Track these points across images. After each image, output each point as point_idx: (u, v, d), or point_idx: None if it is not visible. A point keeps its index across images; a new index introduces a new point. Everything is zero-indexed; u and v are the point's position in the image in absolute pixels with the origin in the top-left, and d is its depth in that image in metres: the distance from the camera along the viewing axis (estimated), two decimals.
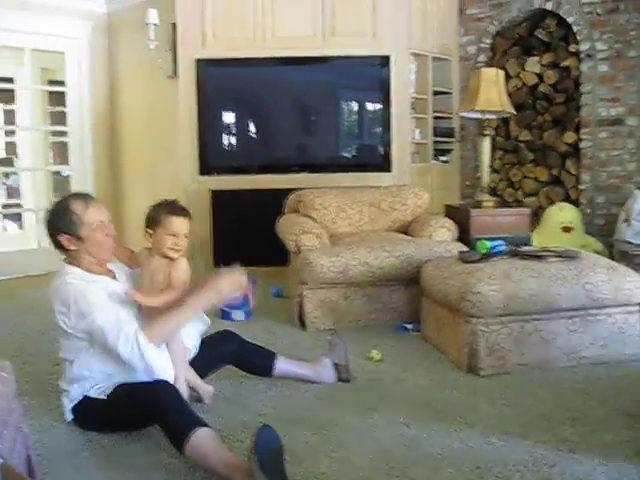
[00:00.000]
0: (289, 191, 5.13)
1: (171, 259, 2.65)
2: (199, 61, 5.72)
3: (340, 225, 4.78)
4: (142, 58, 6.23)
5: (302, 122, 6.24)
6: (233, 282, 2.60)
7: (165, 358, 2.55)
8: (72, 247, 2.56)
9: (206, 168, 5.84)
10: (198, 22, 5.70)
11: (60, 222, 2.54)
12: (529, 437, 2.48)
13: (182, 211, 2.68)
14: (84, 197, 2.61)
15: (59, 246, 2.58)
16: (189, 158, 5.82)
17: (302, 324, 4.12)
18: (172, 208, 2.67)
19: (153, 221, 2.65)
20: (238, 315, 4.31)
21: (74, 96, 6.52)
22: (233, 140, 6.22)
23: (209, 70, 5.75)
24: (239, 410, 2.81)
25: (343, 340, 3.16)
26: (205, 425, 2.26)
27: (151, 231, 2.65)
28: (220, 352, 2.96)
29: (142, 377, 2.53)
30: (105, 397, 2.52)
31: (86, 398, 2.56)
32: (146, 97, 6.50)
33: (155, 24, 5.74)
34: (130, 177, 6.76)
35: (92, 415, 2.57)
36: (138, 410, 2.41)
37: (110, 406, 2.51)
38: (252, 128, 6.24)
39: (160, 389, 2.41)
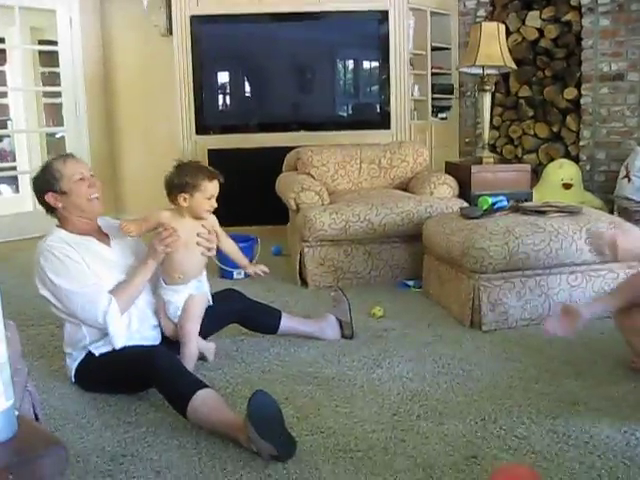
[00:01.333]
0: (287, 150, 5.09)
1: (203, 219, 2.71)
2: (194, 18, 5.62)
3: (339, 182, 4.75)
4: (135, 16, 6.13)
5: (299, 79, 6.17)
6: (160, 237, 2.59)
7: (123, 327, 2.56)
8: (59, 204, 2.59)
9: (203, 127, 5.78)
10: None
11: (43, 181, 2.60)
12: (532, 390, 2.50)
13: (215, 174, 2.69)
14: (63, 155, 2.67)
15: (49, 208, 2.62)
16: (185, 117, 5.76)
17: (303, 282, 4.12)
18: (209, 172, 2.67)
19: (190, 186, 2.61)
20: (238, 273, 4.30)
21: (66, 56, 6.40)
22: (229, 98, 6.17)
23: (204, 27, 5.66)
24: (243, 367, 2.81)
25: (346, 297, 3.16)
26: (205, 386, 2.26)
27: (187, 195, 2.62)
28: (225, 311, 2.95)
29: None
30: (105, 352, 2.53)
31: (88, 355, 2.56)
32: (140, 56, 6.40)
33: None
34: (126, 137, 6.69)
35: (94, 377, 2.58)
36: (136, 375, 2.42)
37: (110, 369, 2.51)
38: (248, 86, 6.18)
39: (157, 354, 2.42)
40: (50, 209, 2.62)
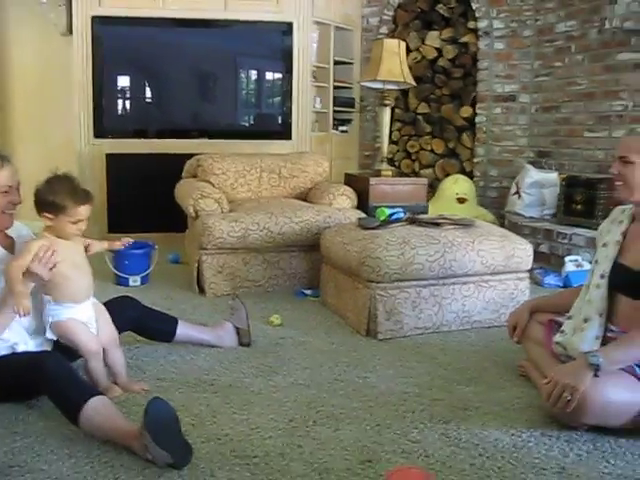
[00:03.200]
0: (187, 156, 5.05)
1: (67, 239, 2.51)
2: (95, 18, 5.51)
3: (239, 191, 4.74)
4: (33, 12, 5.95)
5: (202, 87, 6.14)
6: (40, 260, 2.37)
7: None
8: None
9: (101, 131, 5.67)
10: None
11: None
12: (426, 396, 2.56)
13: (87, 197, 2.49)
14: (1, 157, 2.48)
15: None
16: (83, 120, 5.64)
17: (201, 290, 4.09)
18: (77, 196, 2.44)
19: (54, 207, 2.40)
20: (134, 280, 4.22)
21: None
22: (130, 103, 6.05)
23: (106, 28, 5.56)
24: (138, 375, 2.75)
25: (244, 304, 3.15)
26: (98, 393, 2.20)
27: (51, 215, 2.42)
28: (120, 319, 2.82)
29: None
30: None
31: None
32: (38, 54, 6.20)
33: None
34: (20, 139, 6.45)
35: None
36: (25, 382, 2.31)
37: None
38: (150, 91, 6.08)
39: (46, 360, 2.30)
40: None
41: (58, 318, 2.49)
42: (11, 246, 2.56)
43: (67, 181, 2.48)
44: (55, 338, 2.53)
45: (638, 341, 2.22)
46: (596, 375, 2.16)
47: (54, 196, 2.40)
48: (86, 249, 2.63)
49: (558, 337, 2.51)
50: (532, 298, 3.25)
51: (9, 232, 2.58)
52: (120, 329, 2.88)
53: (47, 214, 2.42)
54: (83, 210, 2.45)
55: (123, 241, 2.82)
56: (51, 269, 2.38)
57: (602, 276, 2.45)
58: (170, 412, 2.05)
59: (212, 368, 2.83)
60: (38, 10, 5.71)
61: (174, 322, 3.00)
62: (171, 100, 6.00)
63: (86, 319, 2.55)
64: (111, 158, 5.63)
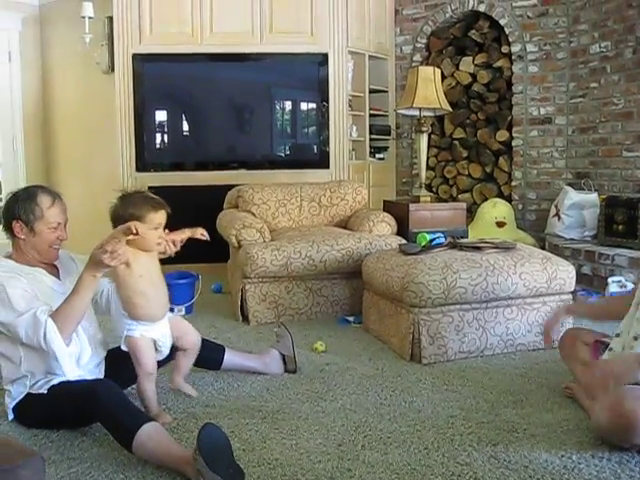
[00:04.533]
0: (226, 188, 5.15)
1: (151, 251, 2.57)
2: (136, 56, 5.67)
3: (280, 220, 4.81)
4: (77, 52, 6.13)
5: (240, 119, 6.24)
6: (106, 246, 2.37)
7: (72, 352, 2.49)
8: (21, 236, 2.55)
9: (143, 165, 5.79)
10: (135, 16, 5.64)
11: (20, 208, 2.53)
12: (473, 419, 2.57)
13: (162, 203, 2.56)
14: (52, 194, 2.61)
15: (9, 230, 2.56)
16: (126, 154, 5.76)
17: (244, 318, 4.14)
18: (154, 203, 2.54)
19: (134, 218, 2.43)
20: (179, 310, 4.29)
21: (4, 90, 6.36)
22: (170, 137, 6.17)
23: (146, 65, 5.70)
24: (187, 402, 2.80)
25: (289, 332, 3.19)
26: (150, 420, 2.25)
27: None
28: None
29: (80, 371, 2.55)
30: (45, 391, 2.48)
31: (28, 395, 2.51)
32: (81, 92, 6.39)
33: (90, 17, 5.67)
34: (64, 174, 6.63)
35: (35, 413, 2.51)
36: (79, 410, 2.37)
37: (51, 405, 2.46)
38: (189, 124, 6.20)
39: (99, 388, 2.36)
40: (9, 230, 2.56)
41: (131, 334, 2.55)
42: (57, 274, 2.67)
43: (138, 193, 2.61)
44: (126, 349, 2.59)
45: None
46: None
47: (132, 208, 2.48)
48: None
49: (606, 355, 2.51)
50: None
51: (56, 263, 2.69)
52: (168, 357, 2.95)
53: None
54: (160, 216, 2.54)
55: (201, 231, 2.84)
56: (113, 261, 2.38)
57: None
58: (222, 437, 2.09)
59: (259, 395, 2.87)
60: (81, 49, 5.88)
61: (221, 350, 3.06)
62: (209, 133, 6.11)
63: (159, 336, 2.63)
64: (153, 191, 5.70)
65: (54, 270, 2.67)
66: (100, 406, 2.29)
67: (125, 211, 2.49)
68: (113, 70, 5.80)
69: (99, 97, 6.13)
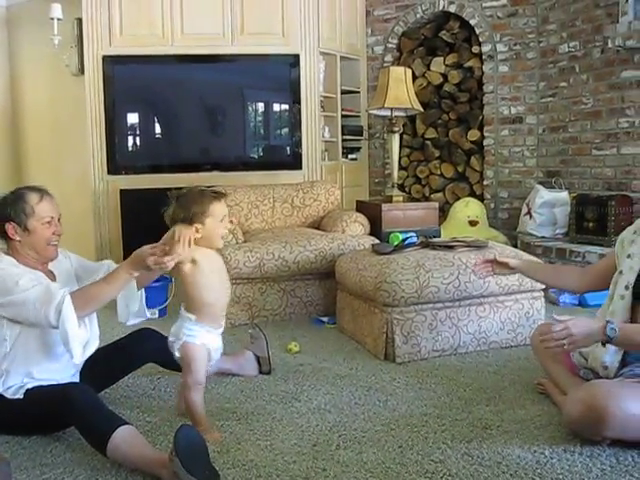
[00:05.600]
0: None
1: (218, 247, 2.52)
2: (106, 58, 5.61)
3: (253, 221, 4.81)
4: (46, 54, 6.07)
5: (212, 121, 6.21)
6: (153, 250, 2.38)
7: (81, 336, 2.38)
8: (17, 237, 2.50)
9: (114, 167, 5.74)
10: (105, 17, 5.59)
11: (10, 209, 2.49)
12: (447, 417, 2.58)
13: (220, 193, 2.49)
14: (40, 190, 2.56)
15: (3, 233, 2.52)
16: (97, 157, 5.70)
17: None
18: (214, 193, 2.45)
19: (199, 215, 2.37)
20: (152, 313, 4.26)
21: None
22: (142, 139, 6.13)
23: (116, 67, 5.65)
24: (161, 405, 2.79)
25: (264, 333, 3.19)
26: (125, 423, 2.23)
27: (199, 225, 2.38)
28: (141, 350, 2.89)
29: (62, 374, 2.51)
30: (22, 396, 2.44)
31: (1, 399, 2.48)
32: (50, 95, 6.33)
33: (59, 19, 5.61)
34: (34, 177, 6.53)
35: (6, 419, 2.48)
36: (53, 414, 2.35)
37: (24, 410, 2.43)
38: (161, 126, 6.16)
39: (74, 391, 2.35)
40: (3, 234, 2.51)
41: (192, 340, 2.45)
42: (53, 279, 2.60)
43: (193, 189, 2.49)
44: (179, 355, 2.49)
45: None
46: (603, 345, 2.26)
47: (194, 206, 2.39)
48: None
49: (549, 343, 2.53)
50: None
51: (51, 266, 2.62)
52: (142, 361, 2.94)
53: (196, 226, 2.37)
54: (223, 206, 2.46)
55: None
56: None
57: (627, 287, 2.47)
58: (198, 439, 2.08)
59: (234, 396, 2.87)
60: (50, 51, 5.82)
61: None
62: (182, 135, 6.07)
63: (217, 347, 2.55)
64: (125, 194, 5.70)
65: (52, 277, 2.61)
66: (74, 409, 2.27)
67: (187, 211, 2.38)
68: (83, 72, 5.74)
69: (69, 99, 6.08)
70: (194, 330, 2.46)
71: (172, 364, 2.99)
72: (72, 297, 2.33)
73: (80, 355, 2.39)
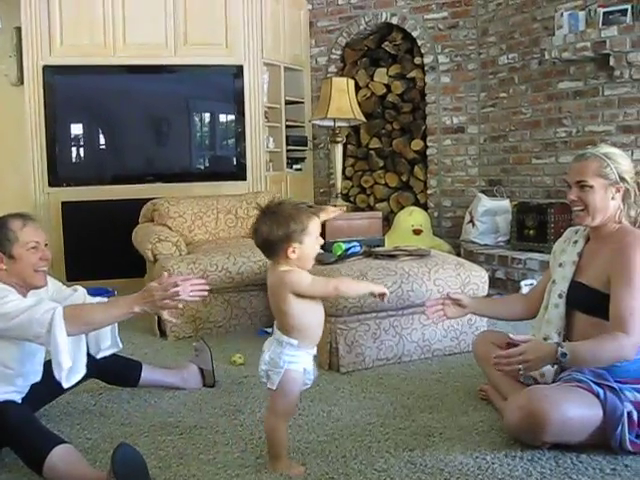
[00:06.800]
0: (143, 201, 5.07)
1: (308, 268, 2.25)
2: (46, 68, 5.53)
3: (197, 233, 4.77)
4: None
5: (155, 132, 6.17)
6: (163, 285, 2.33)
7: (67, 350, 2.28)
8: (3, 267, 2.41)
9: (56, 179, 5.65)
10: (45, 26, 5.51)
11: None
12: (390, 425, 2.60)
13: (318, 208, 2.37)
14: (22, 216, 2.48)
15: None
16: (37, 169, 5.61)
17: (162, 333, 4.08)
18: (310, 208, 2.23)
19: (298, 233, 2.13)
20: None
21: None
22: (85, 150, 6.05)
23: (57, 78, 5.57)
24: (102, 422, 2.74)
25: (208, 345, 3.16)
26: (63, 442, 2.19)
27: (296, 244, 2.14)
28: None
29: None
30: None
31: None
32: None
33: None
34: None
35: None
36: None
37: None
38: (104, 138, 6.09)
39: (8, 410, 2.29)
40: None
41: (295, 367, 2.22)
42: None
43: (284, 203, 2.22)
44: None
45: (606, 346, 2.27)
46: (553, 366, 2.34)
47: (293, 223, 2.13)
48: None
49: (506, 368, 2.56)
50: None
51: (29, 294, 2.50)
52: (83, 378, 2.86)
53: (293, 245, 2.14)
54: (319, 223, 2.24)
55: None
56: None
57: (560, 295, 2.53)
58: (137, 457, 2.06)
59: (177, 410, 2.84)
60: None
61: (138, 367, 3.00)
62: (125, 146, 6.01)
63: (312, 368, 2.33)
64: (67, 206, 5.61)
65: None
66: (9, 428, 2.22)
67: (286, 228, 2.12)
68: (22, 82, 5.64)
69: (8, 110, 5.97)
70: (296, 356, 2.22)
71: (114, 379, 2.97)
72: (65, 310, 2.26)
73: (68, 361, 2.29)
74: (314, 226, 2.18)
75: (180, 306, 2.38)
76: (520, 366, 2.25)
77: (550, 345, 2.33)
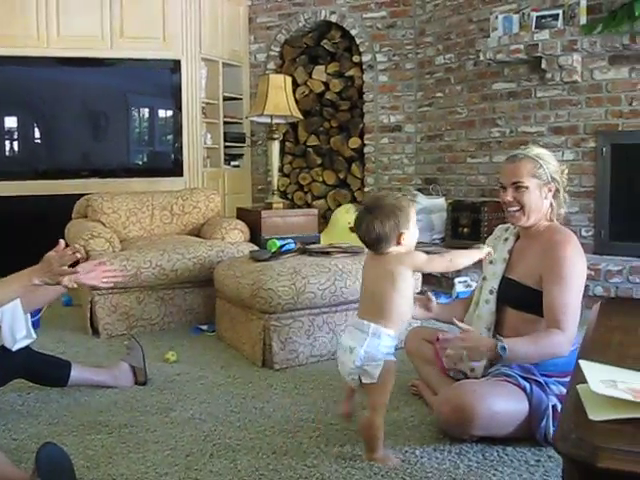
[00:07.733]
0: (78, 197, 4.97)
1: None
2: None
3: (131, 229, 4.70)
4: None
5: (91, 126, 6.07)
6: (60, 253, 2.31)
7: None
8: None
9: None
10: None
11: None
12: (322, 422, 2.61)
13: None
14: None
15: None
16: None
17: (95, 331, 4.01)
18: (405, 196, 2.35)
19: (405, 220, 2.23)
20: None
21: None
22: (18, 144, 5.91)
23: None
24: (30, 421, 2.68)
25: (140, 343, 3.13)
26: None
27: (405, 231, 2.24)
28: (8, 366, 2.75)
29: None
30: None
31: None
32: None
33: None
34: None
35: None
36: None
37: None
38: (39, 131, 5.96)
39: None
40: None
41: (391, 357, 2.26)
42: None
43: (382, 197, 2.35)
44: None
45: (542, 343, 2.32)
46: (492, 364, 2.38)
47: (398, 212, 2.24)
48: None
49: (449, 351, 2.60)
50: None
51: None
52: (9, 377, 2.79)
53: (403, 233, 2.23)
54: (415, 208, 2.36)
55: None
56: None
57: (491, 292, 2.58)
58: (63, 456, 2.02)
59: (107, 409, 2.80)
60: None
61: (67, 366, 2.93)
62: (60, 141, 5.89)
63: None
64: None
65: None
66: None
67: (395, 218, 2.22)
68: None
69: None
70: (392, 346, 2.26)
71: (43, 379, 2.91)
72: None
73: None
74: (414, 212, 2.30)
75: (79, 270, 2.34)
76: (464, 352, 2.29)
77: (490, 339, 2.38)
